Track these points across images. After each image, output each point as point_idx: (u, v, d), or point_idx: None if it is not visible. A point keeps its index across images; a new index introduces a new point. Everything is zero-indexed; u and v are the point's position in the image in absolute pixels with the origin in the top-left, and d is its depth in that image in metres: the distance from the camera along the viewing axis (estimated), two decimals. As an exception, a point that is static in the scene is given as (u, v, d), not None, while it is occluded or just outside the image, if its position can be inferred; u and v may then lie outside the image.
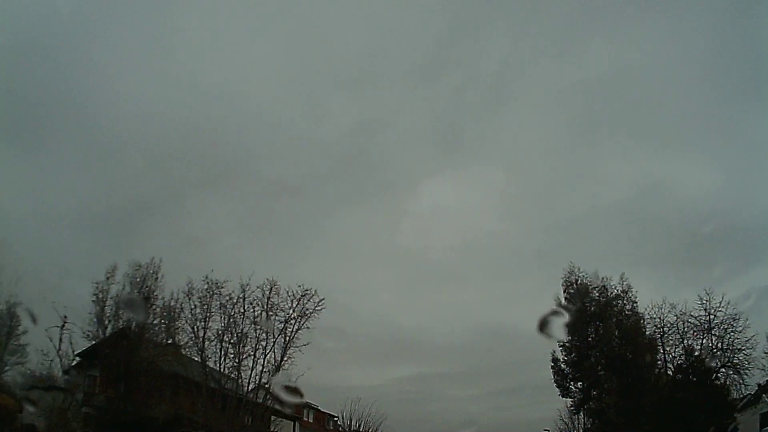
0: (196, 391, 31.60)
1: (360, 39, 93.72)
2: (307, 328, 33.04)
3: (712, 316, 36.87)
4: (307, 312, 32.99)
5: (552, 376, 43.15)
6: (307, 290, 33.13)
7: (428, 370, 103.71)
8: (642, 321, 39.96)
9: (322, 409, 54.52)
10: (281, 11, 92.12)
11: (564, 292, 41.91)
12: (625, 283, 40.80)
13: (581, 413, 45.03)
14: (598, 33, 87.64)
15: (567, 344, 41.15)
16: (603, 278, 41.07)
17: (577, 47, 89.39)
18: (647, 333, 39.63)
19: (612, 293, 41.06)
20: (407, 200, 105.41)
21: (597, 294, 41.41)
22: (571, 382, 42.78)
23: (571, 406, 44.80)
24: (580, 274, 41.71)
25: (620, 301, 40.97)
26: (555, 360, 43.07)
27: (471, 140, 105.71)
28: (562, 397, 43.77)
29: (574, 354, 41.77)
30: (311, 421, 52.84)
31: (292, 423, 45.30)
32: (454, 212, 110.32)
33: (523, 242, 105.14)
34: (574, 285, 41.70)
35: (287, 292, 33.08)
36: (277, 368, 32.09)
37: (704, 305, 36.96)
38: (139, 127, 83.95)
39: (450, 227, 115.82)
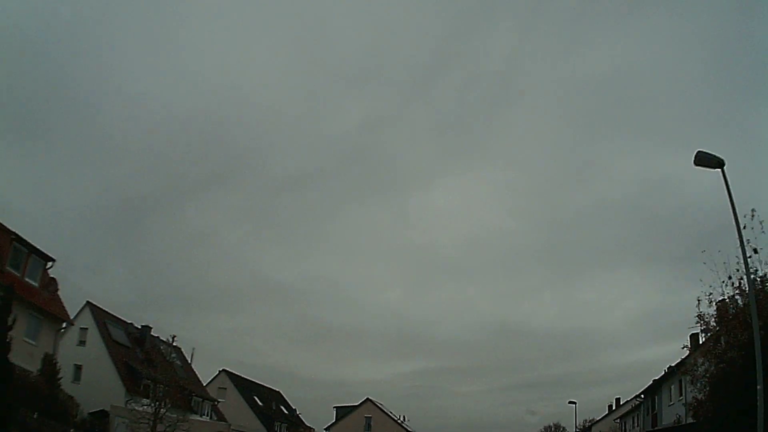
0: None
1: (365, 36, 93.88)
2: None
3: None
4: None
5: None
6: None
7: (436, 365, 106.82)
8: None
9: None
10: (287, 8, 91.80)
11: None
12: None
13: None
14: (602, 31, 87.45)
15: None
16: None
17: (582, 45, 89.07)
18: None
19: None
20: (414, 196, 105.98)
21: None
22: None
23: None
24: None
25: None
26: None
27: (477, 137, 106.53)
28: None
29: None
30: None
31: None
32: (461, 208, 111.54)
33: (528, 239, 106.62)
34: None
35: None
36: None
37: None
38: (144, 124, 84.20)
39: (456, 224, 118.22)
